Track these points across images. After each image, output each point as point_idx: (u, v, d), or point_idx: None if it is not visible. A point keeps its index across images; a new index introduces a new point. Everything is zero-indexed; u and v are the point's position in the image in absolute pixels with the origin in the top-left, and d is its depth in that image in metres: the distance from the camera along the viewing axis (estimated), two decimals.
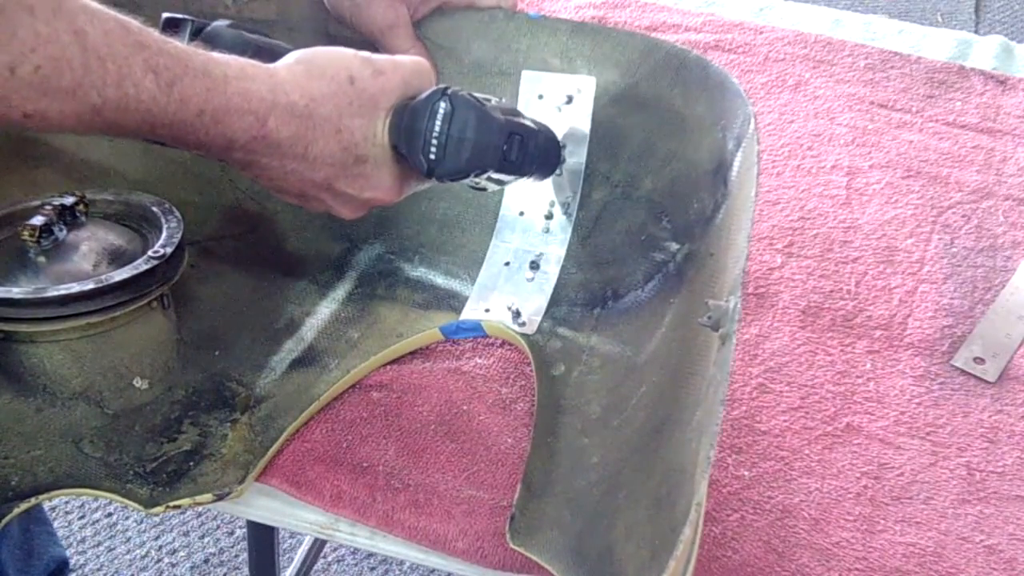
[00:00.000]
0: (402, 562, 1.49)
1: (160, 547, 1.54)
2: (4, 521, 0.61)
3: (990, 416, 0.70)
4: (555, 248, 0.78)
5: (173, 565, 1.52)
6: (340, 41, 0.80)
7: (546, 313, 0.76)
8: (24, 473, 0.63)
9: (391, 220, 0.81)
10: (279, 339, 0.74)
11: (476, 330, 0.75)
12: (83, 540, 1.54)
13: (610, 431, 0.65)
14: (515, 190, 0.79)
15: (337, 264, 0.80)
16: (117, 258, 0.67)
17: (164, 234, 0.68)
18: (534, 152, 0.68)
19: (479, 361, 0.74)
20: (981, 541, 0.63)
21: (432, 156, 0.63)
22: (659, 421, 0.61)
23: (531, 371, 0.72)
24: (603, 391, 0.69)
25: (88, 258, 0.66)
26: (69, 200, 0.67)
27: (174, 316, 0.71)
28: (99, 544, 1.54)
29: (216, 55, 0.58)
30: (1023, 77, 1.02)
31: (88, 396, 0.67)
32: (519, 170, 0.68)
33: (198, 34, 0.66)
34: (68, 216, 0.67)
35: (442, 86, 0.64)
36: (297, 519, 0.65)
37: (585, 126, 0.77)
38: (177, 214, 0.70)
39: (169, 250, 0.67)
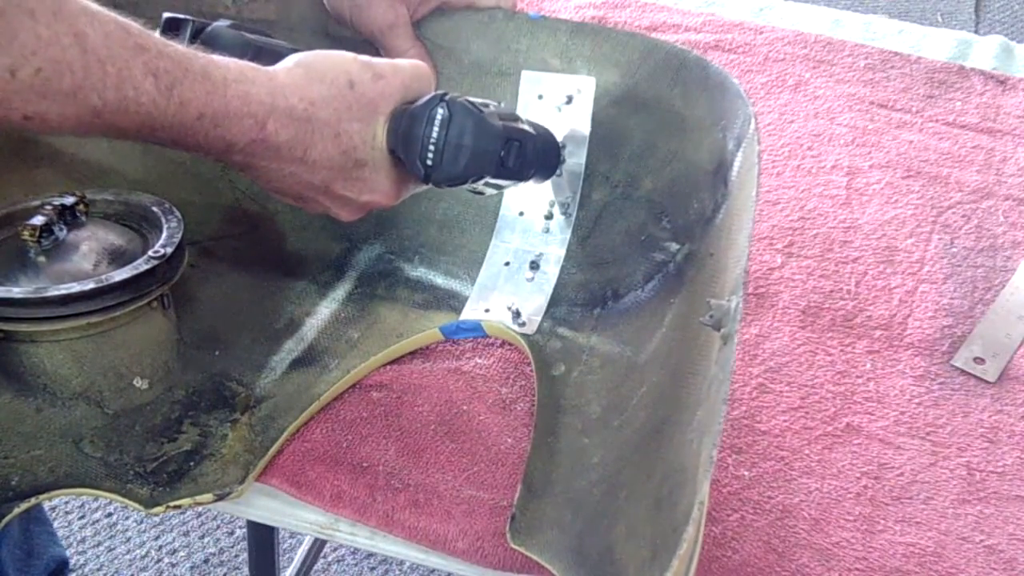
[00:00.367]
0: (402, 562, 1.49)
1: (160, 547, 1.54)
2: (4, 521, 0.61)
3: (990, 416, 0.70)
4: (555, 248, 0.78)
5: (173, 565, 1.52)
6: (340, 41, 0.81)
7: (546, 313, 0.76)
8: (24, 473, 0.63)
9: (391, 220, 0.81)
10: (279, 339, 0.74)
11: (476, 330, 0.76)
12: (83, 540, 1.54)
13: (610, 431, 0.65)
14: (515, 190, 0.79)
15: (337, 264, 0.80)
16: (117, 258, 0.66)
17: (164, 234, 0.68)
18: (532, 157, 0.68)
19: (479, 361, 0.74)
20: (981, 541, 0.63)
21: (429, 162, 0.63)
22: (659, 421, 0.61)
23: (531, 371, 0.72)
24: (603, 391, 0.69)
25: (88, 258, 0.66)
26: (69, 200, 0.67)
27: (174, 316, 0.71)
28: (99, 544, 1.54)
29: (216, 58, 0.58)
30: (1023, 77, 1.02)
31: (88, 396, 0.67)
32: (517, 175, 0.68)
33: (199, 34, 0.66)
34: (68, 216, 0.67)
35: (440, 92, 0.64)
36: (297, 519, 0.65)
37: (585, 126, 0.77)
38: (177, 214, 0.70)
39: (169, 250, 0.67)
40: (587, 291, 0.77)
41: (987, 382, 0.73)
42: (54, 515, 1.56)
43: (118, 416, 0.67)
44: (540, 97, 0.78)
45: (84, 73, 0.51)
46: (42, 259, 0.65)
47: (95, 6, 0.52)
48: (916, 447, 0.68)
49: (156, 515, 0.62)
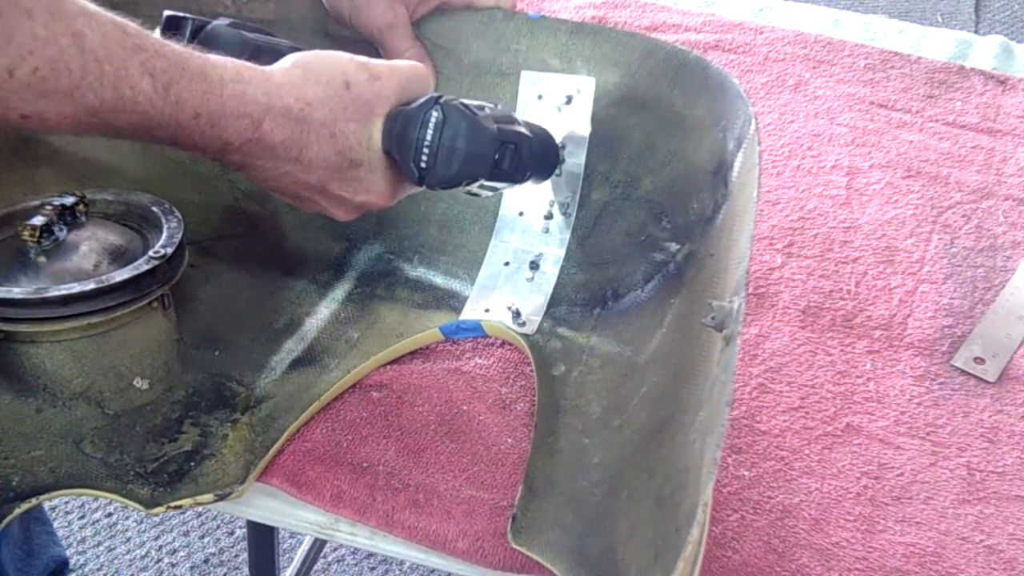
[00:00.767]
0: (402, 562, 1.49)
1: (160, 547, 1.54)
2: (5, 522, 0.61)
3: (990, 416, 0.70)
4: (554, 248, 0.78)
5: (173, 565, 1.52)
6: (339, 41, 0.81)
7: (546, 313, 0.76)
8: (25, 473, 0.63)
9: (390, 220, 0.81)
10: (279, 339, 0.74)
11: (476, 330, 0.76)
12: (83, 540, 1.54)
13: (611, 431, 0.65)
14: (514, 190, 0.79)
15: (337, 264, 0.80)
16: (117, 258, 0.66)
17: (164, 234, 0.68)
18: (528, 159, 0.68)
19: (479, 361, 0.74)
20: (981, 541, 0.63)
21: (423, 165, 0.63)
22: (661, 421, 0.61)
23: (531, 371, 0.72)
24: (603, 391, 0.69)
25: (88, 258, 0.66)
26: (69, 200, 0.67)
27: (174, 316, 0.71)
28: (99, 544, 1.54)
29: (213, 58, 0.58)
30: (1023, 77, 1.02)
31: (88, 396, 0.67)
32: (513, 177, 0.68)
33: (198, 33, 0.66)
34: (68, 216, 0.67)
35: (435, 94, 0.64)
36: (297, 519, 0.65)
37: (585, 127, 0.77)
38: (177, 214, 0.70)
39: (170, 250, 0.67)
40: (587, 291, 0.77)
41: (987, 382, 0.73)
42: (54, 515, 1.56)
43: (118, 416, 0.67)
44: (540, 97, 0.78)
45: (81, 72, 0.51)
46: (42, 259, 0.65)
47: (93, 6, 0.53)
48: (916, 447, 0.68)
49: (156, 515, 0.62)
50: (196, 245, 0.77)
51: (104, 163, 0.79)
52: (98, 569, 1.51)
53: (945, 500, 0.65)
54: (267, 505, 0.65)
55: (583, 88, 0.77)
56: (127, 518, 1.57)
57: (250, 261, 0.79)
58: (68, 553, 1.29)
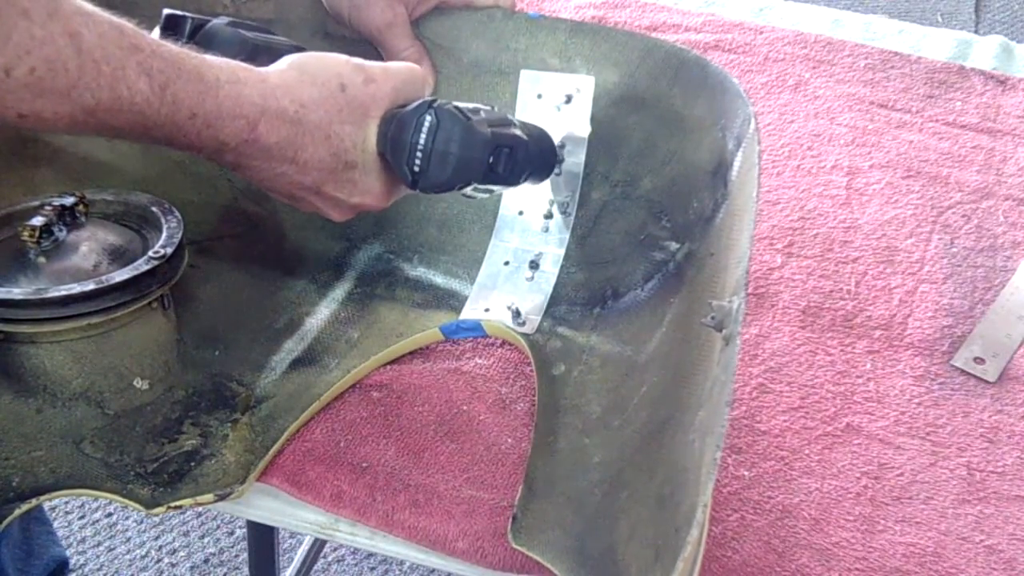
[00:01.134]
0: (402, 562, 1.49)
1: (160, 547, 1.54)
2: (5, 523, 0.61)
3: (990, 416, 0.70)
4: (554, 247, 0.78)
5: (173, 565, 1.52)
6: (338, 40, 0.81)
7: (546, 312, 0.76)
8: (25, 474, 0.63)
9: (390, 220, 0.81)
10: (279, 339, 0.74)
11: (476, 330, 0.76)
12: (83, 540, 1.54)
13: (611, 431, 0.65)
14: (514, 190, 0.79)
15: (336, 264, 0.80)
16: (117, 258, 0.66)
17: (164, 234, 0.68)
18: (524, 161, 0.68)
19: (479, 361, 0.74)
20: (981, 541, 0.63)
21: (416, 169, 0.64)
22: (661, 421, 0.61)
23: (531, 371, 0.72)
24: (603, 391, 0.69)
25: (88, 258, 0.66)
26: (69, 200, 0.67)
27: (174, 316, 0.71)
28: (99, 544, 1.54)
29: (209, 58, 0.58)
30: (1023, 77, 1.02)
31: (88, 396, 0.67)
32: (507, 180, 0.68)
33: (197, 32, 0.66)
34: (68, 216, 0.67)
35: (429, 98, 0.65)
36: (297, 519, 0.65)
37: (584, 126, 0.77)
38: (177, 214, 0.70)
39: (169, 250, 0.67)
40: (587, 290, 0.77)
41: (987, 382, 0.73)
42: (54, 515, 1.56)
43: (118, 417, 0.67)
44: (539, 96, 0.78)
45: (78, 72, 0.52)
46: (42, 260, 0.65)
47: (89, 6, 0.53)
48: (916, 447, 0.68)
49: (156, 516, 0.62)
50: (196, 245, 0.77)
51: (104, 163, 0.79)
52: (98, 569, 1.51)
53: (945, 500, 0.65)
54: (267, 505, 0.65)
55: (582, 87, 0.77)
56: (127, 518, 1.57)
57: (250, 261, 0.79)
58: (68, 553, 1.29)
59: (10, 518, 0.61)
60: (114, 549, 1.53)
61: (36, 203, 0.67)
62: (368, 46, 0.80)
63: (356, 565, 1.52)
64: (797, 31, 1.07)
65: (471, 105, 0.66)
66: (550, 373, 0.71)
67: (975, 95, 0.99)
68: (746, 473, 0.66)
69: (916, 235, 0.84)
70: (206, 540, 1.55)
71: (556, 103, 0.78)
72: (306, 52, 0.64)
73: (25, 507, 0.61)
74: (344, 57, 0.64)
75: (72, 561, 1.46)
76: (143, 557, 1.52)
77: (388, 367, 0.73)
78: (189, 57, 0.57)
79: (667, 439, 0.58)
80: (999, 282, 0.80)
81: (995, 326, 0.76)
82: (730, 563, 0.61)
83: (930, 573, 0.61)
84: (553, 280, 0.77)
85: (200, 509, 1.35)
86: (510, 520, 0.61)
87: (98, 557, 1.52)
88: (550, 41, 0.79)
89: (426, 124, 0.63)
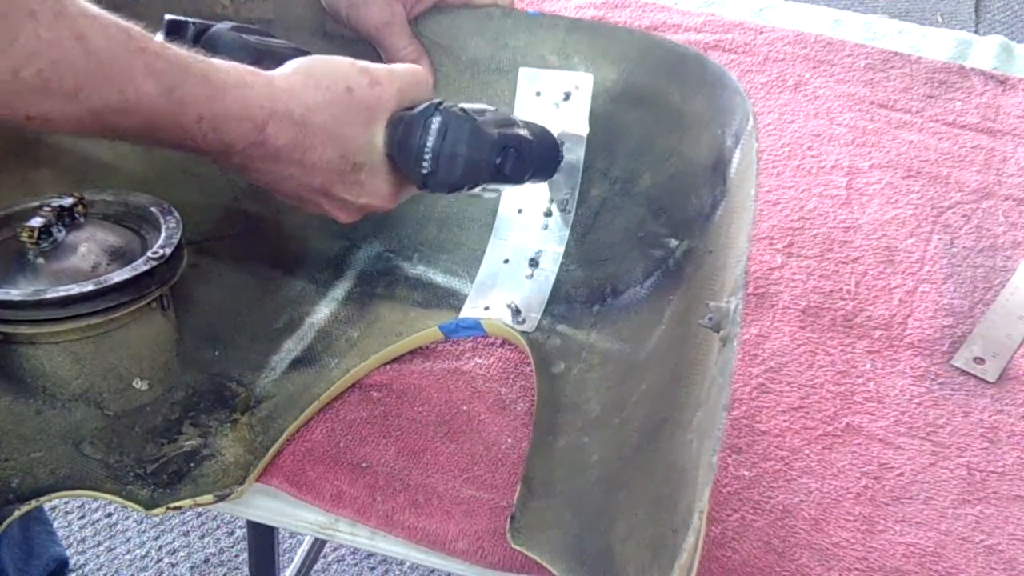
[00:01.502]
0: (402, 562, 1.49)
1: (160, 547, 1.54)
2: (5, 524, 0.60)
3: (990, 416, 0.70)
4: (554, 245, 0.78)
5: (173, 565, 1.52)
6: (337, 40, 0.80)
7: (545, 310, 0.76)
8: (24, 475, 0.63)
9: (390, 219, 0.81)
10: (279, 339, 0.74)
11: (476, 328, 0.75)
12: (83, 540, 1.54)
13: (610, 430, 0.65)
14: (515, 189, 0.79)
15: (336, 263, 0.80)
16: (116, 259, 0.66)
17: (163, 234, 0.68)
18: (530, 161, 0.68)
19: (479, 361, 0.74)
20: (981, 541, 0.63)
21: (425, 171, 0.64)
22: (659, 420, 0.61)
23: (531, 371, 0.72)
24: (603, 389, 0.69)
25: (87, 259, 0.66)
26: (68, 201, 0.67)
27: (174, 316, 0.71)
28: (99, 544, 1.54)
29: (216, 62, 0.59)
30: (1023, 77, 1.02)
31: (88, 397, 0.67)
32: (514, 180, 0.69)
33: (200, 36, 0.66)
34: (67, 217, 0.67)
35: (436, 100, 0.65)
36: (297, 519, 0.65)
37: (583, 123, 0.77)
38: (176, 214, 0.70)
39: (168, 251, 0.67)
40: (586, 288, 0.77)
41: (987, 382, 0.73)
42: (54, 515, 1.56)
43: (118, 417, 0.67)
44: (538, 94, 0.78)
45: (86, 74, 0.52)
46: (41, 261, 0.65)
47: (95, 9, 0.53)
48: (916, 447, 0.68)
49: (156, 516, 0.62)
50: (196, 245, 0.77)
51: (104, 163, 0.79)
52: (98, 569, 1.51)
53: (945, 500, 0.65)
54: (267, 505, 0.65)
55: (581, 84, 0.77)
56: (127, 518, 1.57)
57: (250, 261, 0.79)
58: (68, 553, 1.29)
59: (9, 519, 0.61)
60: (114, 549, 1.53)
61: (35, 204, 0.67)
62: (367, 45, 0.80)
63: (356, 565, 1.52)
64: (797, 31, 1.07)
65: (477, 106, 0.66)
66: (550, 371, 0.71)
67: (975, 95, 0.99)
68: (746, 473, 0.66)
69: (916, 235, 0.84)
70: (206, 540, 1.55)
71: (555, 100, 0.78)
72: (311, 56, 0.64)
73: (25, 508, 0.61)
74: (349, 60, 0.64)
75: (72, 561, 1.46)
76: (143, 557, 1.52)
77: (388, 367, 0.73)
78: (196, 60, 0.57)
79: (665, 438, 0.58)
80: (999, 282, 0.80)
81: (995, 326, 0.76)
82: (730, 563, 0.61)
83: (930, 573, 0.61)
84: (553, 278, 0.77)
85: (200, 509, 1.35)
86: (508, 520, 0.61)
87: (98, 557, 1.52)
88: (549, 38, 0.79)
89: (434, 126, 0.63)
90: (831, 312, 0.77)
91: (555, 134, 0.74)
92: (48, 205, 0.66)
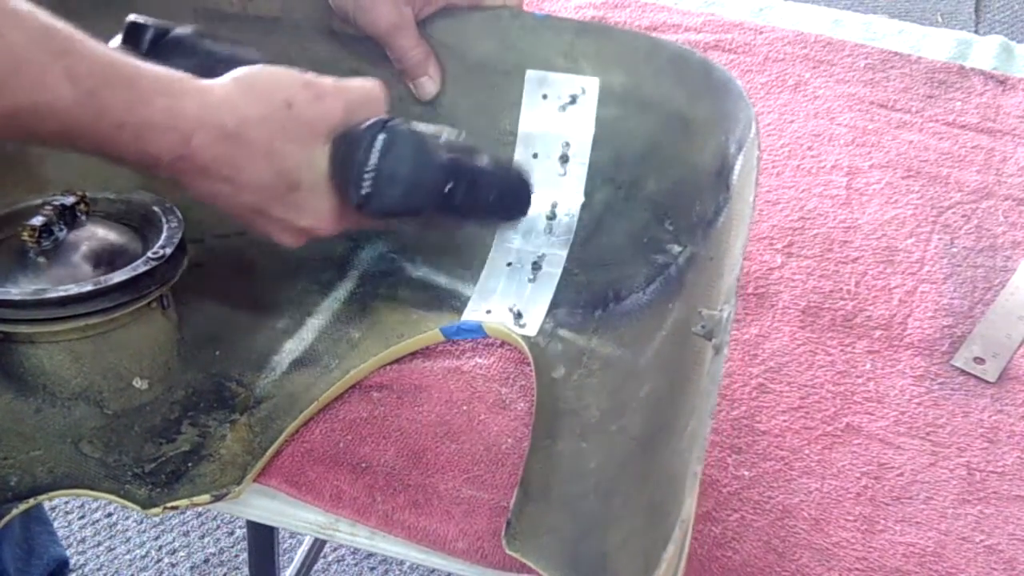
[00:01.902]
0: (402, 562, 1.49)
1: (160, 547, 1.54)
2: (3, 522, 0.61)
3: (990, 416, 0.70)
4: (557, 249, 0.78)
5: (173, 565, 1.52)
6: (344, 39, 0.80)
7: (547, 314, 0.76)
8: (23, 474, 0.63)
9: None
10: (279, 339, 0.74)
11: (477, 331, 0.75)
12: (83, 540, 1.54)
13: (608, 436, 0.65)
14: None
15: (339, 263, 0.80)
16: (117, 258, 0.66)
17: (164, 234, 0.68)
18: (487, 196, 0.65)
19: (479, 361, 0.74)
20: (981, 541, 0.63)
21: (363, 191, 0.60)
22: (656, 427, 0.60)
23: (531, 371, 0.72)
24: (602, 394, 0.69)
25: (88, 258, 0.66)
26: (69, 200, 0.67)
27: (174, 316, 0.71)
28: (99, 544, 1.54)
29: (148, 67, 0.56)
30: (1023, 77, 1.02)
31: (88, 396, 0.67)
32: (466, 214, 0.65)
33: (159, 40, 0.64)
34: (68, 216, 0.67)
35: (384, 117, 0.61)
36: (297, 519, 0.65)
37: (589, 127, 0.77)
38: (178, 214, 0.70)
39: (169, 250, 0.67)
40: (589, 292, 0.77)
41: (987, 382, 0.73)
42: (54, 515, 1.56)
43: (117, 416, 0.67)
44: (544, 97, 0.78)
45: None
46: (42, 259, 0.65)
47: (25, 6, 0.51)
48: (916, 447, 0.68)
49: (154, 516, 0.62)
50: (196, 244, 0.77)
51: (104, 162, 0.79)
52: (98, 569, 1.51)
53: (945, 500, 0.65)
54: (266, 505, 0.65)
55: (587, 88, 0.77)
56: (127, 518, 1.57)
57: (251, 260, 0.79)
58: (68, 553, 1.29)
59: (7, 518, 0.61)
60: (114, 549, 1.53)
61: (37, 202, 0.67)
62: (373, 43, 0.79)
63: (356, 565, 1.52)
64: (797, 31, 1.07)
65: (433, 127, 0.63)
66: (550, 376, 0.71)
67: (975, 95, 0.99)
68: (746, 473, 0.66)
69: (916, 235, 0.84)
70: (206, 540, 1.55)
71: (561, 104, 0.78)
72: (258, 65, 0.61)
73: (23, 507, 0.61)
74: (297, 72, 0.61)
75: (72, 561, 1.46)
76: (143, 557, 1.52)
77: (388, 367, 0.73)
78: (124, 64, 0.55)
79: (660, 446, 0.58)
80: (999, 282, 0.80)
81: (995, 326, 0.76)
82: (730, 563, 0.61)
83: (930, 573, 0.61)
84: (555, 282, 0.77)
85: (200, 509, 1.35)
86: (504, 525, 0.60)
87: (98, 557, 1.52)
88: (556, 41, 0.79)
89: (378, 144, 0.60)
90: (831, 312, 0.77)
91: (561, 138, 0.72)
92: (50, 204, 0.66)
